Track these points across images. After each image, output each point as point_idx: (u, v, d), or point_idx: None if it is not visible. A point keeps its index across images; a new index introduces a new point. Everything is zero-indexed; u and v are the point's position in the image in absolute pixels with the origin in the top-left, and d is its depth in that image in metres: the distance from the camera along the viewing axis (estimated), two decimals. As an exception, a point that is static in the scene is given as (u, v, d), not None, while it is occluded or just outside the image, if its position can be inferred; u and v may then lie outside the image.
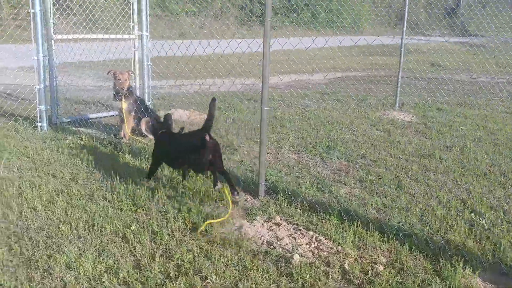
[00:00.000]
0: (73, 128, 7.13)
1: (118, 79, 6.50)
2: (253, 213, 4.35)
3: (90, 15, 8.06)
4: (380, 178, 5.24)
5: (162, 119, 5.29)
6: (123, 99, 6.56)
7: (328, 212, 4.32)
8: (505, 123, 7.86)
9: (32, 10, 6.64)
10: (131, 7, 7.77)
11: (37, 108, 6.97)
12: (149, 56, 8.00)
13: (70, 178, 5.08)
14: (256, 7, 29.84)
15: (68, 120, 7.48)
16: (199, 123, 7.34)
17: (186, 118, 7.88)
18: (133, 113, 6.66)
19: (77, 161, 5.55)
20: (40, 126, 7.00)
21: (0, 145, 6.09)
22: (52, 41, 7.01)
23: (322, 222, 4.16)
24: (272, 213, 4.32)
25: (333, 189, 4.89)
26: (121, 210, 4.35)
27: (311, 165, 5.65)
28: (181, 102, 8.99)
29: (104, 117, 7.90)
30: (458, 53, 19.65)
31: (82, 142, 6.35)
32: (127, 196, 4.61)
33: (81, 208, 4.33)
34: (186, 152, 4.61)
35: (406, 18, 8.39)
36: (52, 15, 6.96)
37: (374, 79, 12.56)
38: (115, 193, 4.68)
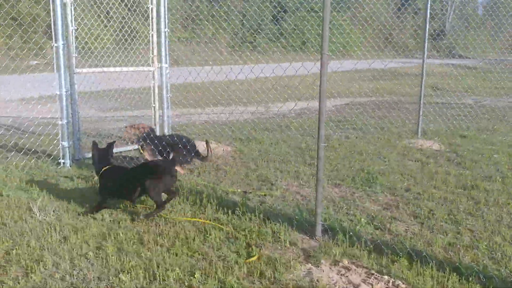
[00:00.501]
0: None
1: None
2: (316, 255, 4.12)
3: (111, 48, 7.86)
4: (433, 213, 5.05)
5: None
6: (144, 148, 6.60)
7: (396, 253, 4.11)
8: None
9: (55, 44, 6.42)
10: (151, 39, 7.60)
11: (60, 144, 6.70)
12: (168, 87, 7.81)
13: (111, 220, 4.80)
14: (249, 32, 29.97)
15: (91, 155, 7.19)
16: (224, 155, 7.15)
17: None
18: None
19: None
20: (63, 163, 6.72)
21: (27, 184, 5.81)
22: (74, 75, 6.77)
23: (393, 264, 3.94)
24: (337, 256, 4.10)
25: (391, 227, 4.69)
26: (176, 255, 4.09)
27: (357, 200, 5.45)
28: (197, 133, 8.78)
29: (127, 150, 7.63)
30: (451, 75, 19.85)
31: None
32: (179, 239, 4.35)
33: (134, 254, 4.07)
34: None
35: (426, 44, 8.33)
36: (74, 48, 6.74)
37: (381, 105, 12.49)
38: (165, 235, 4.42)
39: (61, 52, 6.44)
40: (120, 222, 4.75)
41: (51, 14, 6.37)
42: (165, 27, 7.56)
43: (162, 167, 4.97)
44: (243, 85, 16.61)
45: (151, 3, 7.44)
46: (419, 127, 8.68)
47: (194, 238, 4.37)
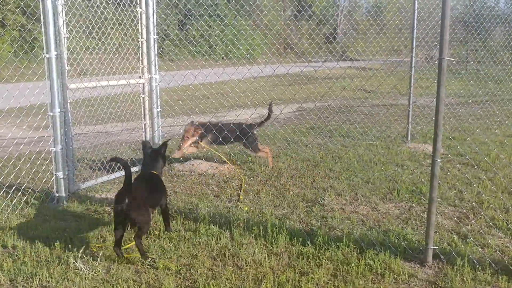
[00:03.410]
0: (97, 196, 5.78)
1: None
2: (448, 286, 3.65)
3: (99, 54, 6.73)
4: (508, 224, 4.81)
5: None
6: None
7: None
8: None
9: (47, 55, 5.29)
10: (140, 48, 6.65)
11: (54, 176, 5.54)
12: (159, 101, 6.90)
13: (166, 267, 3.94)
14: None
15: (85, 186, 6.07)
16: (235, 175, 6.46)
17: (211, 169, 6.86)
18: None
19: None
20: (58, 197, 5.57)
21: (30, 230, 4.68)
22: (67, 91, 5.66)
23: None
24: (469, 283, 3.66)
25: (486, 242, 4.35)
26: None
27: (424, 215, 5.05)
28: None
29: (122, 176, 6.58)
30: (360, 77, 20.41)
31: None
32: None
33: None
34: None
35: (414, 49, 8.22)
36: (66, 60, 5.62)
37: (335, 110, 12.32)
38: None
39: (53, 64, 5.31)
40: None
41: (41, 18, 5.23)
42: (154, 34, 6.66)
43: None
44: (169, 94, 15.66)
45: (140, 7, 6.50)
46: (409, 131, 8.56)
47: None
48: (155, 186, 4.53)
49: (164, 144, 4.84)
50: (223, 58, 31.82)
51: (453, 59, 4.78)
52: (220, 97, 14.12)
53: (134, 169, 6.80)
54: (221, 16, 31.32)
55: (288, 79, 21.26)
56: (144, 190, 4.26)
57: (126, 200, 3.91)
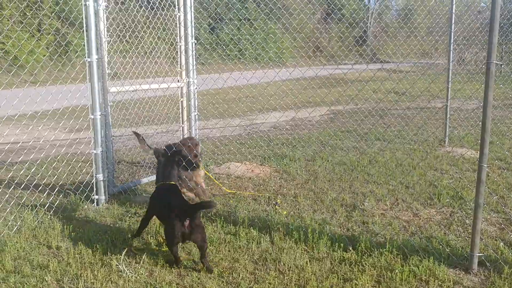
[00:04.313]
0: (139, 199, 5.83)
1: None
2: (497, 295, 3.56)
3: (139, 59, 6.84)
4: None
5: None
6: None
7: None
8: None
9: (89, 59, 5.38)
10: (179, 50, 6.70)
11: (94, 178, 5.63)
12: (196, 105, 6.94)
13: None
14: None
15: (124, 188, 6.14)
16: (269, 177, 6.44)
17: (248, 172, 6.85)
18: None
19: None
20: (97, 199, 5.65)
21: (73, 232, 4.75)
22: (108, 95, 5.74)
23: None
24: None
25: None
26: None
27: (467, 221, 4.95)
28: (229, 152, 7.93)
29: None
30: (390, 79, 20.08)
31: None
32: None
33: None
34: None
35: (451, 52, 8.08)
36: (107, 64, 5.71)
37: (369, 113, 12.19)
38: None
39: (95, 68, 5.41)
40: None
41: (84, 23, 5.32)
42: (192, 37, 6.70)
43: None
44: (206, 97, 15.75)
45: (179, 11, 6.55)
46: (446, 135, 8.41)
47: None
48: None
49: (178, 151, 4.74)
50: (252, 61, 31.89)
51: (501, 63, 4.65)
52: (248, 101, 14.15)
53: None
54: (251, 19, 31.41)
55: (317, 82, 21.22)
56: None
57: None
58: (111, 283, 3.77)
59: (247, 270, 3.95)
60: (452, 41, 8.18)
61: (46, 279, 3.80)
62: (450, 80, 8.13)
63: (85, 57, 5.38)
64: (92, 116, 5.51)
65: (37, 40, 21.05)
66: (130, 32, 6.58)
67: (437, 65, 23.39)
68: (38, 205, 5.38)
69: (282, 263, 4.05)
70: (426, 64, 26.02)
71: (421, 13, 17.57)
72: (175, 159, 4.66)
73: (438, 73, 18.31)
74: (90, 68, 5.40)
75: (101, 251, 4.29)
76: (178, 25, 6.59)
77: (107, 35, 5.67)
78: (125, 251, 4.13)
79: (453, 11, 8.16)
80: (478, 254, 3.94)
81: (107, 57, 5.74)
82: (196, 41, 6.84)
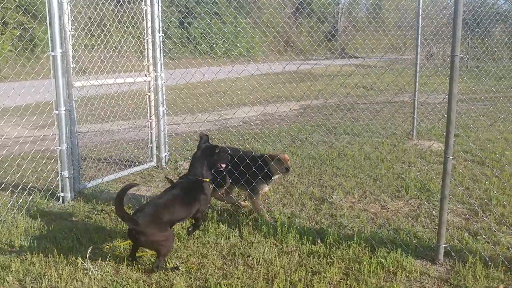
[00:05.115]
0: (105, 196, 5.73)
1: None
2: (461, 284, 3.62)
3: (105, 54, 6.70)
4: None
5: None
6: None
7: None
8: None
9: (53, 53, 5.24)
10: (146, 45, 6.60)
11: (59, 175, 5.50)
12: (164, 99, 6.86)
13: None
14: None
15: (91, 185, 6.02)
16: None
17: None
18: None
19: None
20: (63, 197, 5.52)
21: (37, 230, 4.63)
22: (72, 89, 5.61)
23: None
24: (481, 280, 3.63)
25: (502, 239, 4.32)
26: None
27: (434, 213, 5.02)
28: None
29: (128, 174, 6.55)
30: (358, 73, 20.26)
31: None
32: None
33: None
34: None
35: (418, 47, 8.17)
36: (72, 58, 5.58)
37: (337, 108, 12.26)
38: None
39: (59, 62, 5.26)
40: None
41: (47, 15, 5.17)
42: (160, 31, 6.61)
43: None
44: (173, 92, 15.58)
45: (145, 4, 6.45)
46: (414, 128, 8.53)
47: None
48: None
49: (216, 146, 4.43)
50: (222, 56, 31.73)
51: (465, 56, 4.72)
52: (218, 96, 14.08)
53: (136, 169, 6.79)
54: (220, 14, 31.21)
55: (286, 76, 21.23)
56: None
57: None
58: (76, 281, 3.69)
59: (216, 266, 3.92)
60: (419, 36, 8.26)
61: (8, 279, 3.70)
62: (418, 74, 8.21)
63: (49, 51, 5.24)
64: (56, 112, 5.37)
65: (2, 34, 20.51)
66: (95, 25, 6.45)
67: (405, 59, 23.73)
68: (0, 204, 5.23)
69: (251, 258, 4.04)
70: (393, 58, 26.36)
71: (389, 8, 17.71)
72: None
73: (405, 68, 18.54)
74: (54, 62, 5.26)
75: (66, 250, 4.20)
76: (145, 18, 6.49)
77: (71, 28, 5.53)
78: (90, 249, 4.04)
79: (420, 6, 8.24)
80: (444, 245, 4.01)
81: (72, 51, 5.59)
82: (163, 35, 6.76)
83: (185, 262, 3.99)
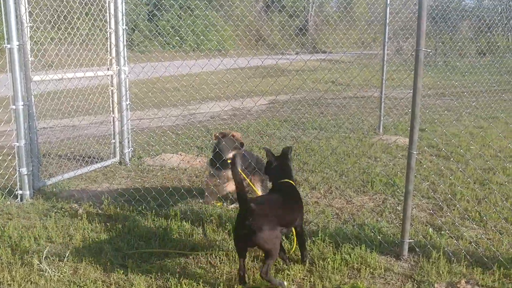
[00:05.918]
0: (66, 193, 5.56)
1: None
2: (424, 280, 3.62)
3: (72, 46, 6.49)
4: (481, 214, 4.83)
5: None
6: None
7: (505, 265, 3.76)
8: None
9: (8, 46, 5.04)
10: (109, 38, 6.43)
11: (17, 172, 5.31)
12: (128, 94, 6.70)
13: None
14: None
15: (51, 182, 5.83)
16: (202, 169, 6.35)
17: (183, 163, 6.69)
18: None
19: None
20: (21, 194, 5.33)
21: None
22: (31, 84, 5.41)
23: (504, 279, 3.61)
24: (444, 275, 3.65)
25: (461, 234, 4.35)
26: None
27: (399, 208, 5.02)
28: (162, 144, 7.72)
29: (90, 171, 6.38)
30: (327, 69, 20.33)
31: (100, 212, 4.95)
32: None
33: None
34: None
35: (386, 33, 8.19)
36: (30, 51, 5.37)
37: (306, 103, 12.27)
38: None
39: (16, 55, 5.06)
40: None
41: (2, 5, 4.96)
42: (123, 24, 6.45)
43: None
44: (139, 86, 15.31)
45: (108, -4, 6.28)
46: (381, 123, 8.57)
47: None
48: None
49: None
50: (194, 50, 31.41)
51: (429, 50, 4.72)
52: (191, 90, 13.90)
53: (98, 165, 6.63)
54: (192, 7, 30.92)
55: (260, 71, 21.16)
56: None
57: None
58: (31, 283, 3.55)
59: (178, 265, 3.83)
60: (387, 31, 8.29)
61: (-45, 283, 3.53)
62: (385, 69, 8.24)
63: (4, 44, 5.03)
64: (13, 107, 5.18)
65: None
66: (62, 18, 6.24)
67: (376, 55, 23.92)
68: (-46, 202, 5.03)
69: (213, 256, 3.95)
70: (362, 54, 26.54)
71: (360, 6, 17.77)
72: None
73: (374, 63, 18.68)
74: (11, 55, 5.06)
75: (22, 250, 4.04)
76: (108, 10, 6.32)
77: (29, 20, 5.32)
78: (47, 249, 3.89)
79: (388, 2, 8.27)
80: (408, 240, 4.00)
81: (31, 43, 5.39)
82: (130, 28, 6.60)
83: (146, 261, 3.88)
